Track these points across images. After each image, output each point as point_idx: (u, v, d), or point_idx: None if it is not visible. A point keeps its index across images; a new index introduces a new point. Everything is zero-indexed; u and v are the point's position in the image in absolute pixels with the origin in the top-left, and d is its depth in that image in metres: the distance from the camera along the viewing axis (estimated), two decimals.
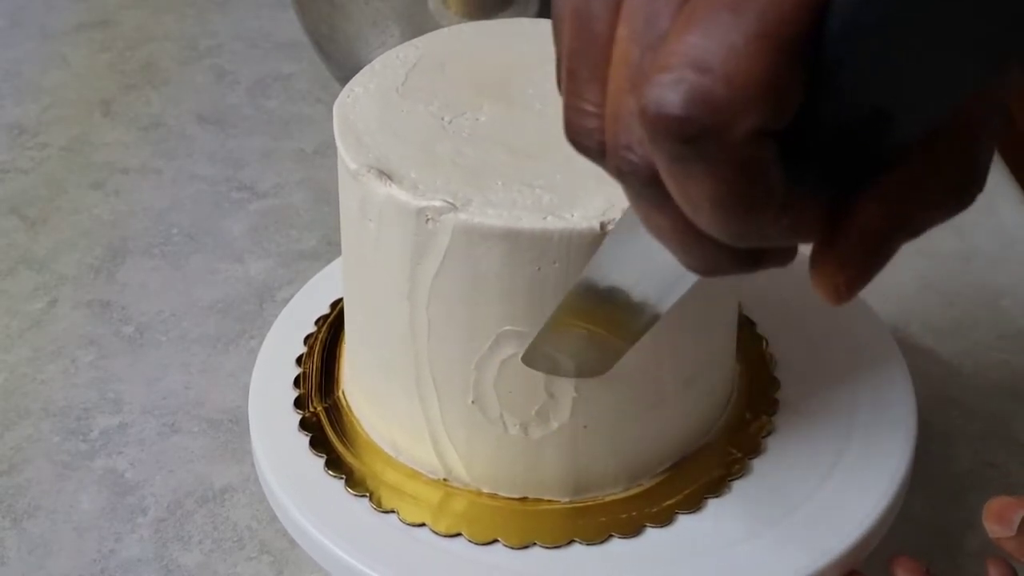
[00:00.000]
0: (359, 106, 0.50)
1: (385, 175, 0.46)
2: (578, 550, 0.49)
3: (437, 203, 0.44)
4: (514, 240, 0.44)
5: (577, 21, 0.30)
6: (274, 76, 0.91)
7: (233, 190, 0.80)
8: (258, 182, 0.81)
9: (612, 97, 0.29)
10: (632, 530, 0.49)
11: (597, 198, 0.45)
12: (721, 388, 0.53)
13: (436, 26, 0.71)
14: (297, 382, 0.55)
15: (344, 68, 0.77)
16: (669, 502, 0.50)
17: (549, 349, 0.45)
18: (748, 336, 0.57)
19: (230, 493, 0.60)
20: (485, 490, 0.50)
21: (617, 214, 0.44)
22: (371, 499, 0.50)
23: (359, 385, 0.53)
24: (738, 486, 0.51)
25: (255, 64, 0.93)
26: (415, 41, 0.54)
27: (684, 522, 0.50)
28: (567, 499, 0.50)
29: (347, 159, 0.47)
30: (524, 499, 0.50)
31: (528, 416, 0.48)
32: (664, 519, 0.49)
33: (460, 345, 0.47)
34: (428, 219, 0.45)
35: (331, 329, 0.58)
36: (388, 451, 0.52)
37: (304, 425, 0.53)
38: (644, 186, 0.29)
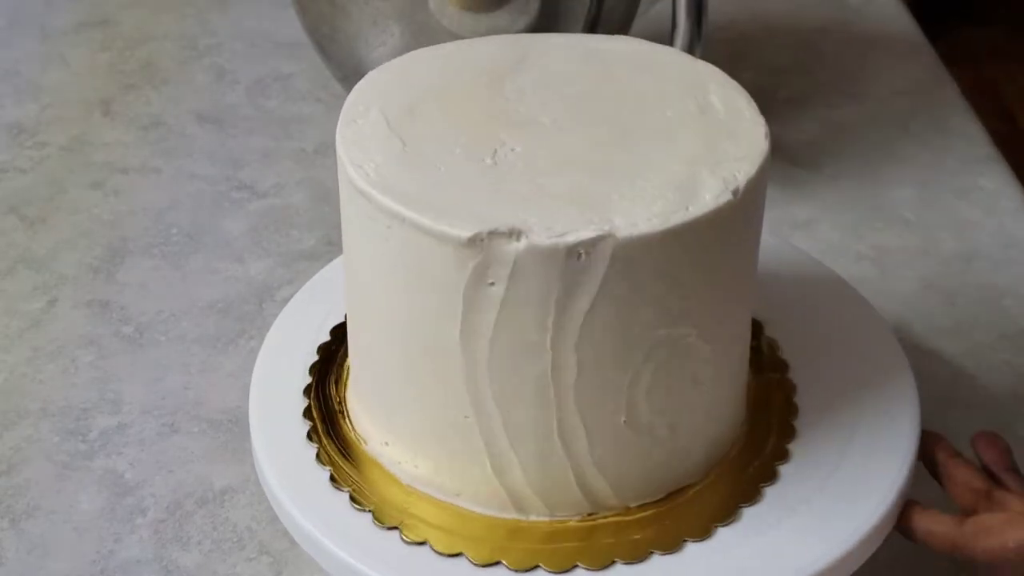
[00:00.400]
0: (387, 175, 0.47)
1: (515, 231, 0.44)
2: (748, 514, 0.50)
3: (589, 234, 0.43)
4: (674, 239, 0.44)
5: None
6: (274, 76, 0.91)
7: (233, 190, 0.80)
8: (258, 182, 0.81)
9: None
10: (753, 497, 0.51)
11: (706, 178, 0.46)
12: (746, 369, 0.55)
13: (437, 25, 0.71)
14: (307, 391, 0.55)
15: (344, 68, 0.77)
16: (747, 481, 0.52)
17: None
18: (757, 337, 0.57)
19: (230, 494, 0.60)
20: (632, 505, 0.50)
21: (737, 183, 0.46)
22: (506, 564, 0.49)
23: (450, 470, 0.50)
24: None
25: (255, 64, 0.93)
26: (352, 98, 0.52)
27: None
28: (699, 482, 0.51)
29: (455, 232, 0.44)
30: (667, 496, 0.51)
31: (678, 415, 0.49)
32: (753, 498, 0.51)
33: (612, 371, 0.47)
34: (580, 254, 0.43)
35: (319, 377, 0.56)
36: (512, 516, 0.50)
37: (321, 461, 0.52)
38: None
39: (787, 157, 0.81)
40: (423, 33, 0.71)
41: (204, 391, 0.65)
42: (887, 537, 0.51)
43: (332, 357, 0.57)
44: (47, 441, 0.63)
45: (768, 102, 0.79)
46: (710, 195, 0.45)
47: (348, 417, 0.54)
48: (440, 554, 0.48)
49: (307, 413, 0.54)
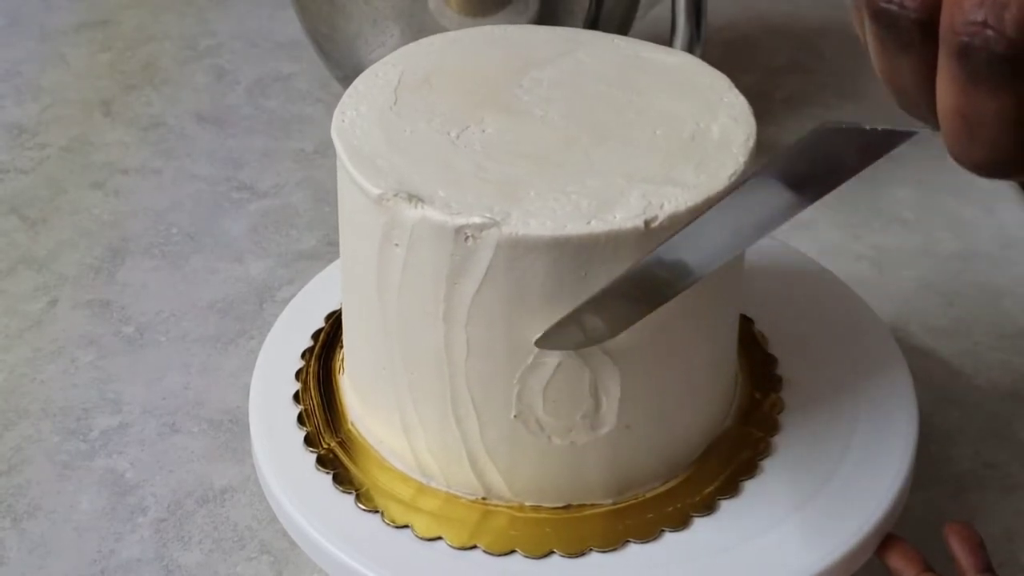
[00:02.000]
0: (360, 130, 0.49)
1: (415, 197, 0.45)
2: (633, 550, 0.49)
3: (477, 220, 0.44)
4: (561, 248, 0.44)
5: None
6: (274, 76, 0.91)
7: (233, 190, 0.80)
8: (258, 182, 0.81)
9: None
10: (681, 522, 0.49)
11: (633, 198, 0.45)
12: (731, 373, 0.54)
13: (436, 25, 0.71)
14: (301, 419, 0.55)
15: (344, 68, 0.77)
16: (709, 489, 0.51)
17: (569, 324, 0.46)
18: (745, 332, 0.57)
19: (230, 493, 0.60)
20: (528, 503, 0.50)
21: (658, 211, 0.44)
22: (413, 530, 0.49)
23: (376, 414, 0.53)
24: (748, 485, 0.52)
25: (255, 64, 0.93)
26: (389, 59, 0.53)
27: (726, 508, 0.50)
28: (611, 501, 0.50)
29: (368, 185, 0.46)
30: (568, 507, 0.50)
31: (573, 422, 0.48)
32: (708, 507, 0.50)
33: (502, 360, 0.47)
34: (468, 237, 0.44)
35: (320, 360, 0.57)
36: (417, 477, 0.51)
37: (322, 463, 0.52)
38: (991, 65, 0.30)
39: None
40: (423, 33, 0.71)
41: (204, 391, 0.65)
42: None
43: (330, 343, 0.58)
44: (47, 441, 0.63)
45: (767, 102, 0.79)
46: (620, 216, 0.44)
47: (342, 402, 0.55)
48: (452, 547, 0.49)
49: (302, 401, 0.55)
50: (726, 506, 0.50)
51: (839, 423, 0.54)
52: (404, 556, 0.49)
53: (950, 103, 0.31)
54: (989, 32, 0.29)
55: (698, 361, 0.50)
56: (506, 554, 0.48)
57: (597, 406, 0.48)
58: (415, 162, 0.47)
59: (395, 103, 0.50)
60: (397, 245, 0.46)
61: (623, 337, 0.46)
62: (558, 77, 0.51)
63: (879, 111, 0.87)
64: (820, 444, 0.53)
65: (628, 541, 0.49)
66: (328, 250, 0.74)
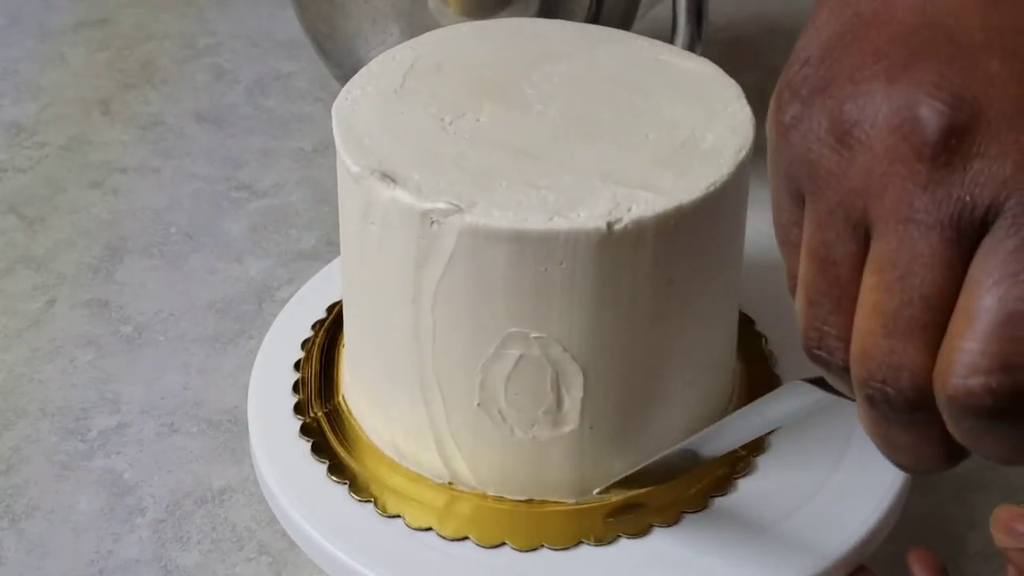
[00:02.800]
0: (358, 108, 0.49)
1: (388, 177, 0.45)
2: (586, 551, 0.48)
3: (442, 205, 0.44)
4: (520, 241, 0.44)
5: (817, 262, 0.34)
6: (273, 75, 0.91)
7: (232, 189, 0.80)
8: (257, 181, 0.80)
9: (863, 337, 0.33)
10: (639, 530, 0.49)
11: (602, 198, 0.45)
12: (722, 387, 0.53)
13: (436, 25, 0.70)
14: (296, 387, 0.55)
15: (343, 67, 0.76)
16: (675, 501, 0.50)
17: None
18: (747, 334, 0.57)
19: (229, 494, 0.60)
20: (491, 493, 0.50)
21: (623, 214, 0.44)
22: (376, 504, 0.50)
23: (360, 389, 0.53)
24: (743, 484, 0.51)
25: (254, 63, 0.92)
26: (411, 42, 0.54)
27: (690, 521, 0.49)
28: (573, 500, 0.50)
29: (349, 162, 0.47)
30: (530, 501, 0.50)
31: (535, 417, 0.48)
32: (671, 519, 0.49)
33: (466, 347, 0.47)
34: (433, 222, 0.44)
35: (328, 333, 0.58)
36: (391, 455, 0.52)
37: (305, 431, 0.53)
38: (894, 413, 0.33)
39: None
40: (422, 32, 0.71)
41: (203, 391, 0.65)
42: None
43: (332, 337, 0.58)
44: (46, 441, 0.62)
45: (767, 103, 0.78)
46: (584, 215, 0.44)
47: (338, 374, 0.55)
48: (445, 538, 0.49)
49: (301, 370, 0.56)
50: (720, 503, 0.50)
51: (838, 423, 0.53)
52: (406, 557, 0.49)
53: (869, 431, 0.35)
54: (888, 389, 0.32)
55: (678, 366, 0.49)
56: (460, 540, 0.48)
57: (559, 403, 0.47)
58: (401, 144, 0.47)
59: (401, 86, 0.51)
60: (373, 223, 0.46)
61: (587, 340, 0.46)
62: (569, 74, 0.51)
63: None
64: (819, 444, 0.53)
65: (582, 542, 0.48)
66: (327, 250, 0.74)
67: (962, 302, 0.31)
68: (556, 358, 0.46)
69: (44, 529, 0.58)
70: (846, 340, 0.34)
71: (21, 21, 0.98)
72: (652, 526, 0.49)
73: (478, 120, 0.48)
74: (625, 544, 0.49)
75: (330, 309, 0.59)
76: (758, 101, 0.51)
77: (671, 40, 0.70)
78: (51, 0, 1.00)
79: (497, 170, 0.46)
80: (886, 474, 0.51)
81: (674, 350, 0.49)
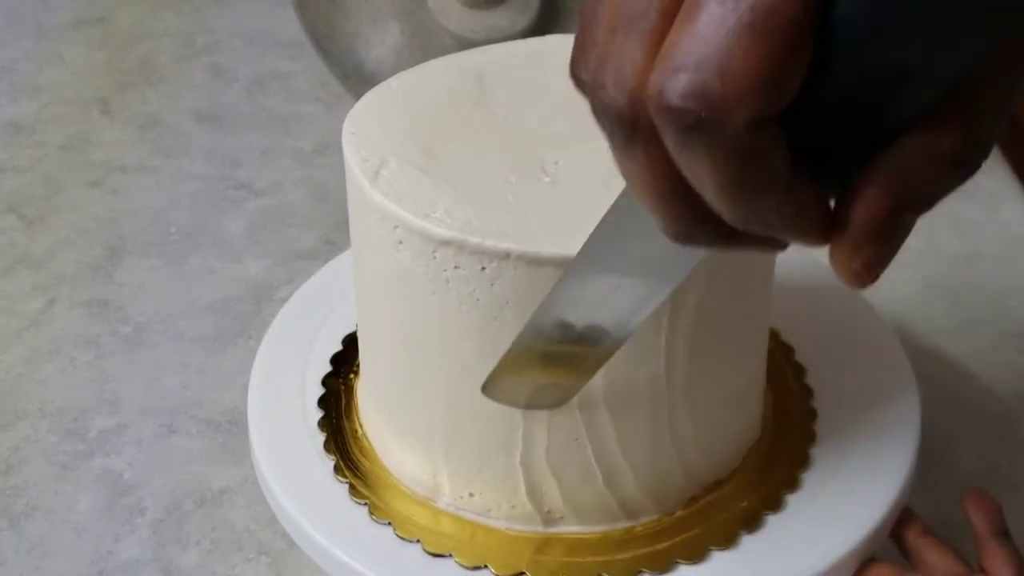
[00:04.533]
0: (390, 176, 0.46)
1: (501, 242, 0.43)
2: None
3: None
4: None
5: None
6: (272, 74, 0.91)
7: (231, 189, 0.80)
8: (256, 181, 0.80)
9: (602, 36, 0.30)
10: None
11: None
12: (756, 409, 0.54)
13: (435, 24, 0.70)
14: (320, 425, 0.54)
15: (343, 66, 0.76)
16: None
17: (506, 383, 0.44)
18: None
19: (228, 494, 0.60)
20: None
21: None
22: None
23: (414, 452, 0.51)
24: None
25: (253, 62, 0.92)
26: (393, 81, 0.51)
27: None
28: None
29: (428, 226, 0.43)
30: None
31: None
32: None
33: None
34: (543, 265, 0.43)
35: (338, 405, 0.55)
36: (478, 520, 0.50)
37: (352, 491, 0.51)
38: (614, 125, 0.30)
39: None
40: (422, 32, 0.71)
41: (202, 391, 0.65)
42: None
43: (343, 360, 0.57)
44: (45, 441, 0.62)
45: None
46: None
47: (358, 417, 0.54)
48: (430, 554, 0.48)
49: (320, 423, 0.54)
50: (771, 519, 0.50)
51: (841, 423, 0.53)
52: (397, 552, 0.48)
53: (617, 165, 0.31)
54: (604, 95, 0.29)
55: (714, 383, 0.49)
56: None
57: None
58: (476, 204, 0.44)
59: (430, 162, 0.47)
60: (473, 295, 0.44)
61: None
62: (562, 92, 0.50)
63: None
64: (821, 444, 0.53)
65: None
66: (327, 249, 0.74)
67: (685, 5, 0.28)
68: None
69: (44, 529, 0.58)
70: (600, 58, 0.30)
71: (19, 20, 0.98)
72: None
73: (557, 162, 0.46)
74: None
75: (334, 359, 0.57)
76: None
77: None
78: None
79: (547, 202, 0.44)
80: (888, 475, 0.51)
81: (713, 365, 0.49)
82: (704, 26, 0.27)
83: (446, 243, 0.43)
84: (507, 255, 0.42)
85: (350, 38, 0.74)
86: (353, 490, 0.51)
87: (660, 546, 0.48)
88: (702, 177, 0.28)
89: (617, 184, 0.32)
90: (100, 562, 0.57)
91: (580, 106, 0.31)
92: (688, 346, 0.46)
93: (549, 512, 0.49)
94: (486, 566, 0.48)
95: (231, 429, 0.63)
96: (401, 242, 0.44)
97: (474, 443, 0.48)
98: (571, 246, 0.38)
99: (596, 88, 0.30)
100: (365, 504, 0.50)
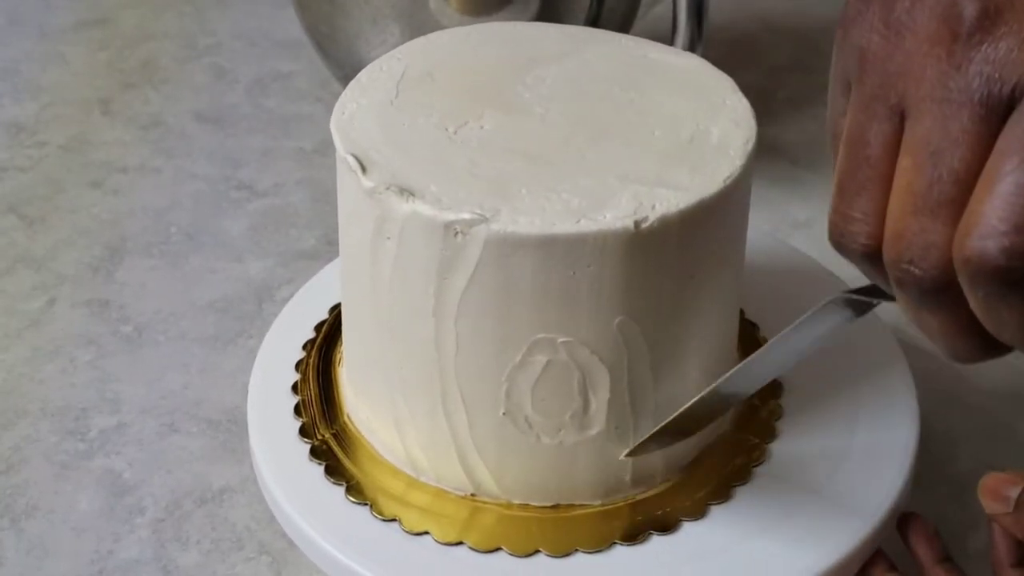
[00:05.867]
0: (358, 123, 0.49)
1: (407, 191, 0.45)
2: (619, 551, 0.48)
3: (466, 215, 0.44)
4: (549, 246, 0.44)
5: (851, 145, 0.36)
6: (273, 75, 0.91)
7: (232, 189, 0.80)
8: (257, 181, 0.80)
9: (894, 219, 0.35)
10: (669, 526, 0.49)
11: (624, 198, 0.45)
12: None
13: (437, 24, 0.70)
14: (297, 409, 0.55)
15: (344, 67, 0.76)
16: (700, 494, 0.50)
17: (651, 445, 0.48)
18: (748, 336, 0.57)
19: (229, 493, 0.60)
20: (516, 501, 0.50)
21: (648, 212, 0.44)
22: (401, 524, 0.50)
23: (370, 407, 0.53)
24: (759, 471, 0.52)
25: (254, 63, 0.92)
26: (395, 52, 0.53)
27: (717, 513, 0.50)
28: (599, 502, 0.50)
29: (361, 177, 0.46)
30: (557, 506, 0.50)
31: (562, 422, 0.48)
32: (698, 512, 0.50)
33: (491, 357, 0.47)
34: (457, 232, 0.44)
35: (321, 352, 0.57)
36: (408, 471, 0.51)
37: (315, 454, 0.53)
38: (922, 294, 0.35)
39: (787, 157, 0.81)
40: (422, 32, 0.71)
41: (203, 391, 0.65)
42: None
43: (331, 335, 0.58)
44: (46, 441, 0.62)
45: (768, 102, 0.79)
46: (610, 215, 0.44)
47: (339, 394, 0.55)
48: (476, 551, 0.49)
49: (300, 392, 0.55)
50: (717, 511, 0.50)
51: (839, 424, 0.54)
52: (395, 553, 0.49)
53: (908, 317, 0.37)
54: (915, 270, 0.34)
55: (695, 360, 0.50)
56: (492, 551, 0.48)
57: (586, 407, 0.47)
58: (410, 156, 0.47)
59: (396, 97, 0.50)
60: (389, 238, 0.46)
61: (614, 340, 0.46)
62: (562, 76, 0.51)
63: None
64: (820, 444, 0.53)
65: (615, 543, 0.49)
66: (327, 249, 0.74)
67: (985, 172, 0.33)
68: (583, 361, 0.46)
69: (44, 529, 0.58)
70: (872, 225, 0.36)
71: (21, 21, 0.98)
72: (680, 520, 0.49)
73: (482, 127, 0.48)
74: (657, 541, 0.49)
75: (318, 327, 0.58)
76: (759, 100, 0.51)
77: (671, 40, 0.70)
78: (51, 0, 1.00)
79: (513, 176, 0.46)
80: (886, 475, 0.51)
81: (692, 343, 0.49)
82: (1011, 193, 0.32)
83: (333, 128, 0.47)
84: (343, 159, 0.47)
85: (351, 39, 0.75)
86: (350, 490, 0.51)
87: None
88: (1011, 320, 0.34)
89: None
90: (100, 561, 0.57)
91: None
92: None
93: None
94: (500, 548, 0.48)
95: (232, 429, 0.63)
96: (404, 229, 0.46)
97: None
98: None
99: (901, 264, 0.35)
100: (366, 505, 0.50)
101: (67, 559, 0.57)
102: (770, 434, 0.53)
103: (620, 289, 0.45)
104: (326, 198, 0.78)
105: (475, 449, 0.49)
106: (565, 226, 0.44)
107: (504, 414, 0.47)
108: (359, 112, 0.49)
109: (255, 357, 0.57)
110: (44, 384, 0.66)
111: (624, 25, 0.76)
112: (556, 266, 0.44)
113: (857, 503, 0.50)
